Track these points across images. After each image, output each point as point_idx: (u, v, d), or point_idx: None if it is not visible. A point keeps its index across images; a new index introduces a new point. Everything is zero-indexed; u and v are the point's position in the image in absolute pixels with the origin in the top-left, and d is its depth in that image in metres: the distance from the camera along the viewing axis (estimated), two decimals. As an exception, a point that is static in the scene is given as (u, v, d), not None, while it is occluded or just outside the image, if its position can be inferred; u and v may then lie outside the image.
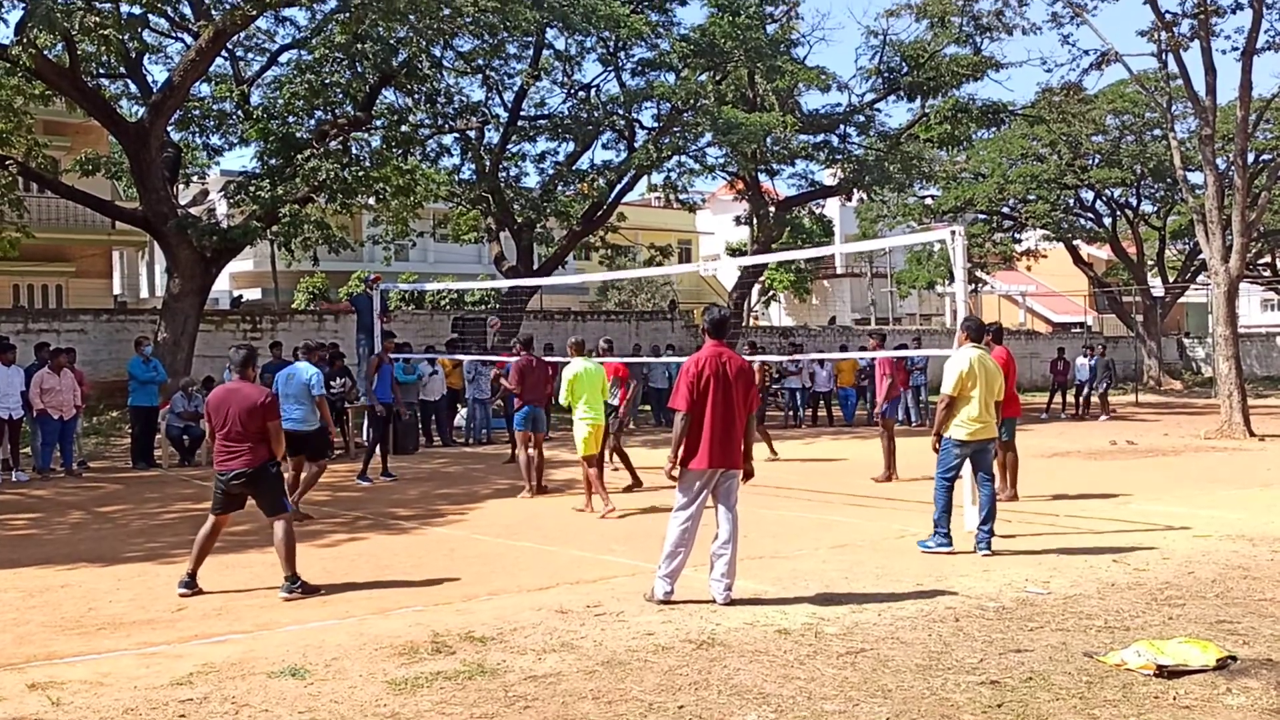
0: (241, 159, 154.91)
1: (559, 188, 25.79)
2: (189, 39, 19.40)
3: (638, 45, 24.78)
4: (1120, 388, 36.05)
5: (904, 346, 24.31)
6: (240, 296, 39.58)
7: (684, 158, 25.94)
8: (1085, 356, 25.17)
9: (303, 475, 10.49)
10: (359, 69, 20.57)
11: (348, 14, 17.99)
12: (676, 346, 26.16)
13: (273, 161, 20.10)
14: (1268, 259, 42.28)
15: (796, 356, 21.89)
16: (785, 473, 14.03)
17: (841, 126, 28.12)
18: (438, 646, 5.79)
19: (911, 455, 13.14)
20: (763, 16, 26.33)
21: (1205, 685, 5.03)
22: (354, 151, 21.11)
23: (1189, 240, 38.01)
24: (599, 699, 4.93)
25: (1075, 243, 39.43)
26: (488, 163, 25.02)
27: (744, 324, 35.49)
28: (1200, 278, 37.90)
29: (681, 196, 28.42)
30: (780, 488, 12.40)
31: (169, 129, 19.73)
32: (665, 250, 32.26)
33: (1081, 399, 25.03)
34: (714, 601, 6.66)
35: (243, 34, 20.15)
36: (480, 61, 23.25)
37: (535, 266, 26.24)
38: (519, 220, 25.39)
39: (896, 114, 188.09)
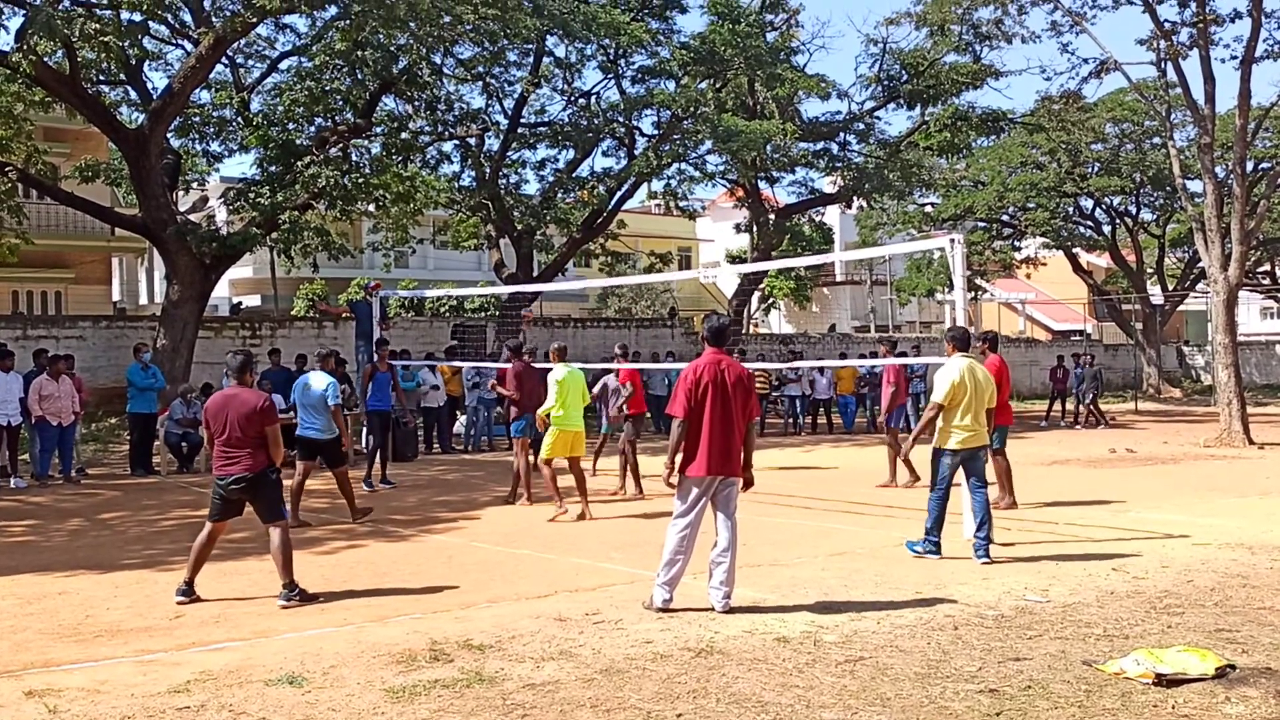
0: (241, 166, 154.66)
1: (559, 195, 25.83)
2: (189, 46, 19.43)
3: (638, 53, 24.84)
4: (1120, 395, 36.08)
5: (904, 354, 24.30)
6: (239, 303, 39.57)
7: (684, 165, 25.99)
8: (1073, 365, 25.18)
9: (339, 483, 10.78)
10: (359, 76, 20.61)
11: (348, 21, 18.01)
12: (676, 353, 26.16)
13: (272, 168, 20.13)
14: (1267, 267, 42.33)
15: (796, 364, 21.90)
16: (784, 480, 14.01)
17: (841, 134, 28.17)
18: (436, 654, 5.78)
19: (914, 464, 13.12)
20: (763, 24, 26.40)
21: (1204, 694, 5.02)
22: (354, 158, 21.15)
23: (1188, 248, 38.02)
24: (597, 707, 4.92)
25: (1075, 250, 39.48)
26: (488, 170, 25.06)
27: (744, 331, 35.49)
28: (1199, 286, 37.90)
29: (681, 204, 28.48)
30: (779, 495, 12.39)
31: (169, 136, 19.75)
32: (665, 257, 32.28)
33: (1087, 407, 25.04)
34: (713, 609, 6.65)
35: (243, 41, 20.17)
36: (480, 69, 23.30)
37: (535, 273, 26.25)
38: (519, 227, 25.41)
39: (896, 122, 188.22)
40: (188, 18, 19.39)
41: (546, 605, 6.94)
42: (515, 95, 25.12)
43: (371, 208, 23.30)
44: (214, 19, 18.41)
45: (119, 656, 5.88)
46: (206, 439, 7.50)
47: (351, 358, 18.77)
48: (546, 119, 26.37)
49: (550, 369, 11.35)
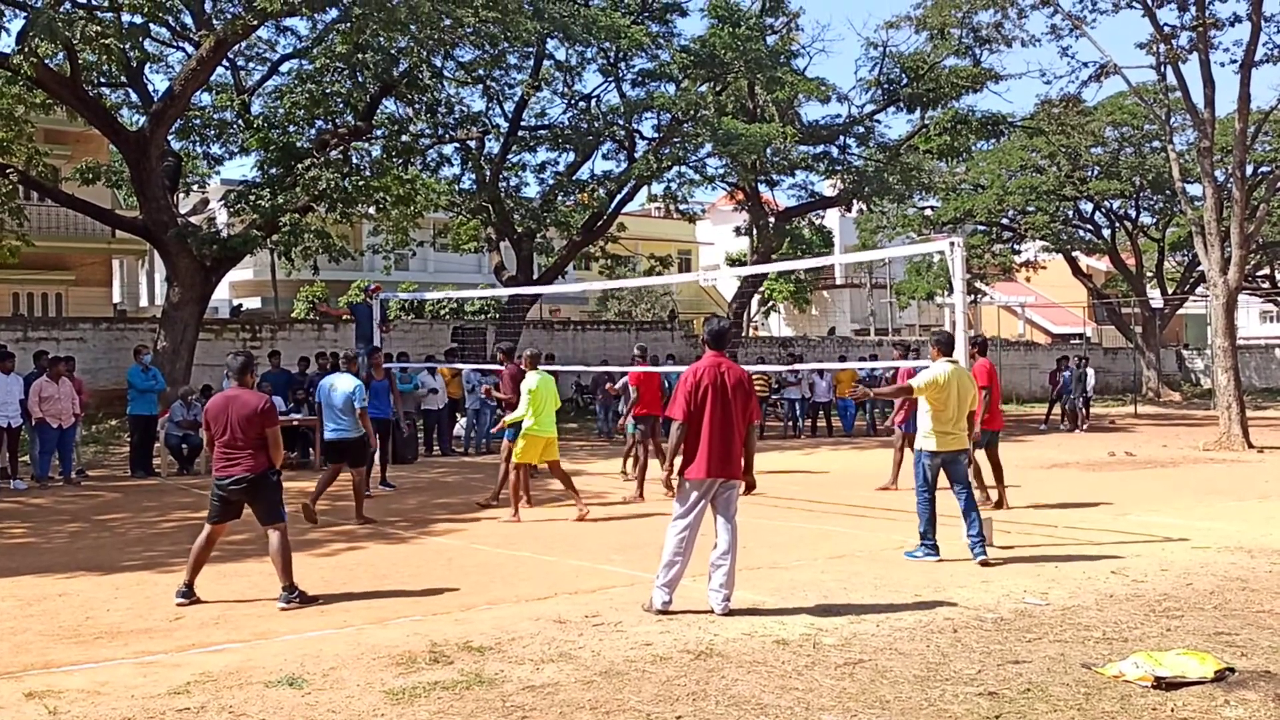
0: (242, 168, 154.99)
1: (559, 198, 25.85)
2: (190, 48, 19.44)
3: (638, 56, 24.86)
4: (1120, 399, 36.09)
5: (904, 357, 24.29)
6: (240, 305, 39.60)
7: (684, 168, 26.04)
8: (1062, 370, 25.12)
9: (354, 483, 11.01)
10: (360, 79, 20.63)
11: (349, 24, 18.03)
12: (676, 356, 26.19)
13: (273, 171, 20.15)
14: (1266, 271, 42.34)
15: (796, 367, 21.92)
16: (783, 483, 14.02)
17: (841, 137, 28.19)
18: (436, 656, 5.78)
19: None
20: (763, 28, 26.44)
21: (1203, 697, 5.03)
22: (354, 161, 21.17)
23: (1188, 252, 38.08)
24: (597, 709, 4.92)
25: (1074, 254, 39.50)
26: (488, 172, 25.08)
27: (744, 334, 35.52)
28: (1199, 289, 37.94)
29: (681, 207, 28.51)
30: (779, 498, 12.40)
31: (169, 138, 19.77)
32: (665, 260, 32.38)
33: (1065, 410, 25.10)
34: (712, 612, 6.65)
35: (244, 43, 20.19)
36: (481, 72, 23.31)
37: (535, 276, 26.28)
38: (519, 230, 25.43)
39: (896, 125, 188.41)
40: (189, 20, 19.41)
41: (546, 607, 6.95)
42: (516, 98, 25.15)
43: (372, 210, 23.33)
44: (215, 21, 18.43)
45: (119, 658, 5.89)
46: (206, 440, 7.51)
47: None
48: (547, 122, 26.40)
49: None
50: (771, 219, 30.30)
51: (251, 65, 22.32)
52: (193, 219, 22.84)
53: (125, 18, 17.03)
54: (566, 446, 19.79)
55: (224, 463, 7.19)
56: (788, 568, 8.23)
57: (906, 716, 4.81)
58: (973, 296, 38.71)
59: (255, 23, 17.48)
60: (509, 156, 25.77)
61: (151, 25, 18.02)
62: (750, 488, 6.99)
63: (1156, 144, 32.52)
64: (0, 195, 19.47)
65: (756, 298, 43.15)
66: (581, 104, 26.16)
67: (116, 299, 35.19)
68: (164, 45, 20.79)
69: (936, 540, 8.47)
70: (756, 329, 48.46)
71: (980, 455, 10.95)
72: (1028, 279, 44.28)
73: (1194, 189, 26.51)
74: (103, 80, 20.27)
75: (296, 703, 5.05)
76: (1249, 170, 27.11)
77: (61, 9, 16.29)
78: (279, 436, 7.29)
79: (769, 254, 29.73)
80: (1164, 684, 5.13)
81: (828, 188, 31.05)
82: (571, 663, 5.65)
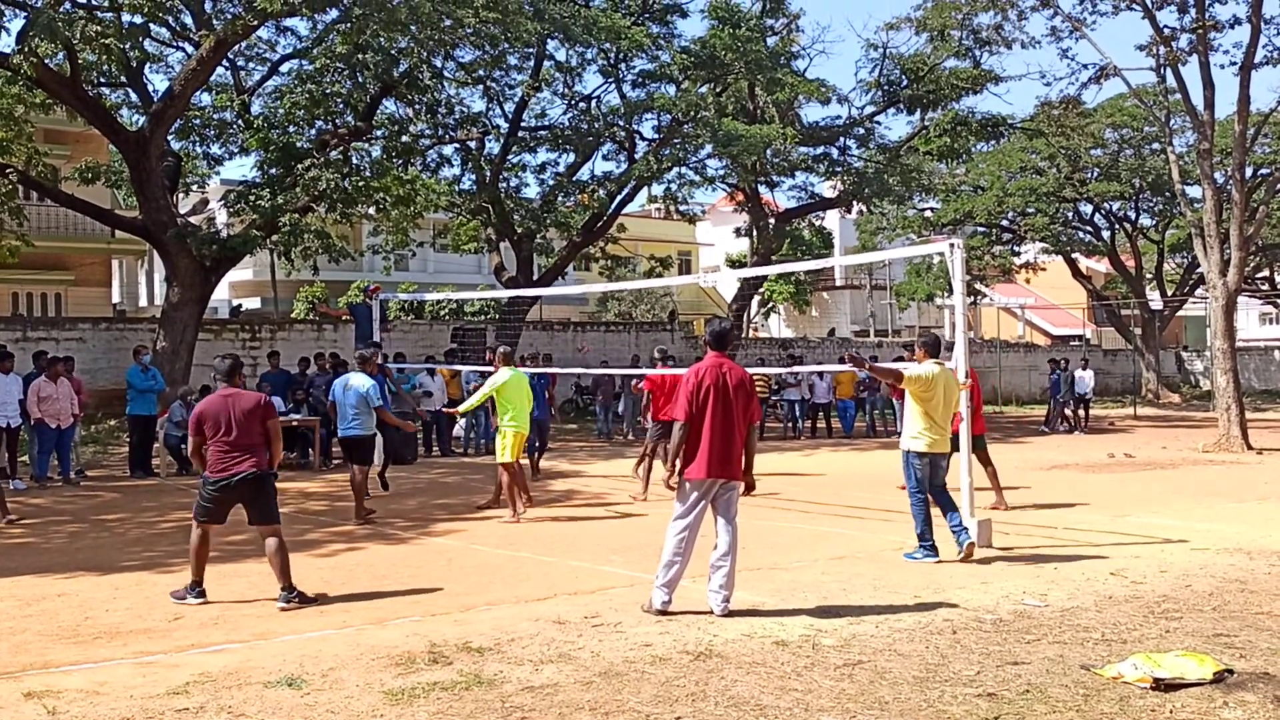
0: (242, 168, 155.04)
1: (559, 198, 25.85)
2: (190, 48, 19.45)
3: (638, 57, 24.86)
4: (1119, 400, 36.09)
5: (901, 359, 24.30)
6: (239, 305, 39.61)
7: (684, 169, 26.03)
8: (1050, 372, 25.08)
9: (356, 482, 11.10)
10: (360, 79, 20.63)
11: (349, 24, 18.03)
12: (676, 357, 26.13)
13: (273, 171, 20.14)
14: (1266, 273, 42.36)
15: (796, 368, 21.93)
16: (783, 485, 14.02)
17: (841, 139, 28.18)
18: (435, 657, 5.78)
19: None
20: (763, 29, 26.43)
21: (1202, 698, 5.03)
22: (354, 161, 21.16)
23: (1187, 254, 38.08)
24: (596, 710, 4.92)
25: (1074, 256, 39.51)
26: (488, 173, 25.08)
27: (744, 335, 35.52)
28: (1198, 291, 37.96)
29: (681, 208, 28.50)
30: (778, 499, 12.40)
31: (169, 138, 19.77)
32: (665, 261, 32.34)
33: (1050, 411, 25.09)
34: (712, 613, 6.65)
35: (244, 44, 20.20)
36: (481, 72, 23.31)
37: (535, 277, 26.28)
38: (519, 231, 25.43)
39: (896, 127, 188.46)
40: (189, 20, 19.41)
41: (545, 608, 6.95)
42: (516, 99, 25.15)
43: (372, 211, 23.33)
44: (215, 22, 18.43)
45: (118, 658, 5.89)
46: (193, 444, 7.37)
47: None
48: (547, 123, 26.40)
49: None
50: (771, 220, 30.31)
51: (251, 65, 22.35)
52: (192, 219, 22.85)
53: (125, 18, 17.03)
54: (566, 447, 19.82)
55: (228, 461, 7.17)
56: (787, 569, 8.23)
57: (905, 717, 4.81)
58: (972, 298, 38.72)
59: (255, 23, 17.48)
60: (509, 157, 25.77)
61: (151, 25, 18.02)
62: (750, 489, 6.99)
63: (1156, 146, 32.55)
64: (0, 195, 19.47)
65: (756, 299, 43.16)
66: (582, 105, 26.17)
67: (116, 299, 35.18)
68: (164, 45, 20.81)
69: (934, 541, 8.49)
70: (756, 330, 48.47)
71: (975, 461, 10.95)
72: (1027, 280, 44.30)
73: (1193, 191, 26.53)
74: (102, 80, 20.28)
75: (295, 703, 5.05)
76: (1248, 172, 27.09)
77: (61, 9, 16.30)
78: (280, 431, 7.34)
79: (769, 255, 29.74)
80: (1163, 685, 5.13)
81: (828, 189, 31.06)
82: (571, 663, 5.65)
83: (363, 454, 11.21)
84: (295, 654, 5.88)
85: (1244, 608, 6.87)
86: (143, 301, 42.05)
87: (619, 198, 26.01)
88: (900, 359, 22.68)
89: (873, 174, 26.96)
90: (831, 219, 42.67)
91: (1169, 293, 40.67)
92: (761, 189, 29.86)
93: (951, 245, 9.49)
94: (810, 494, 13.04)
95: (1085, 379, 24.80)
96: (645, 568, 7.67)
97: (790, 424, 23.14)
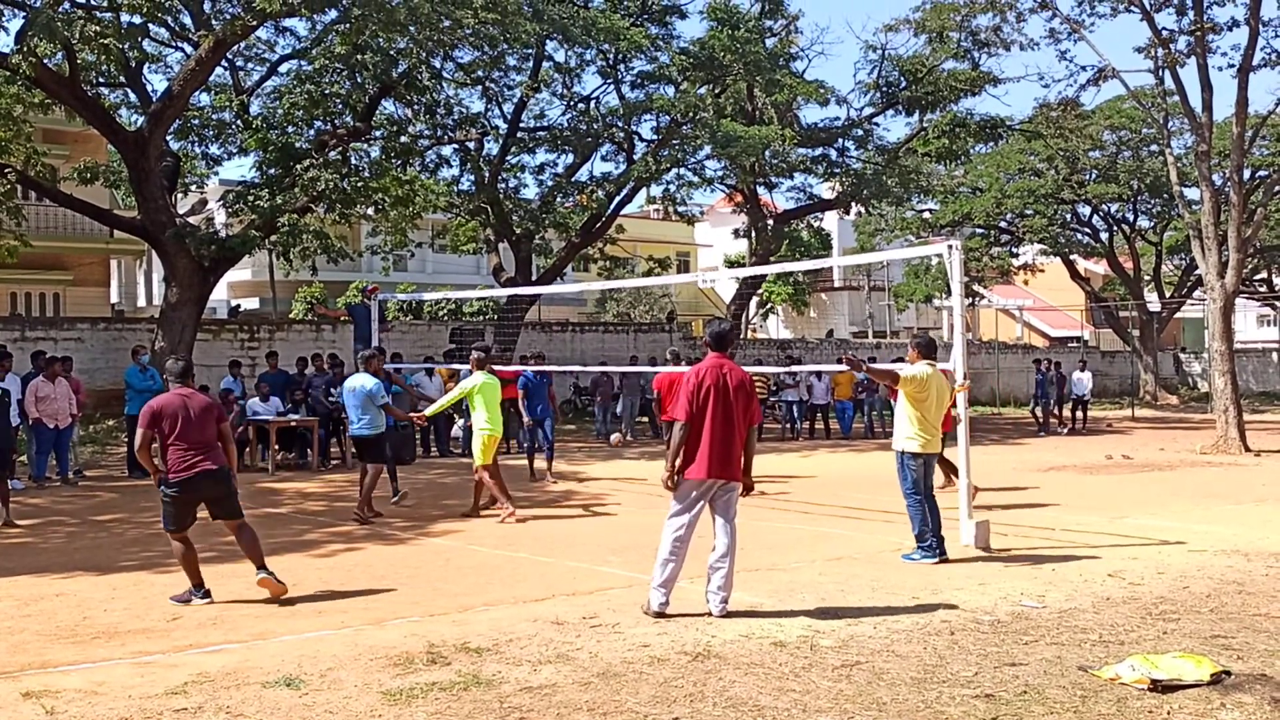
0: (240, 168, 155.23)
1: (558, 199, 25.85)
2: (189, 48, 19.43)
3: (637, 58, 24.86)
4: (1117, 402, 36.12)
5: (900, 360, 24.30)
6: (238, 306, 39.57)
7: (683, 170, 26.05)
8: (1037, 373, 24.96)
9: (364, 480, 11.09)
10: (359, 80, 20.62)
11: (348, 25, 18.02)
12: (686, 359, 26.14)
13: (272, 171, 20.12)
14: (1264, 274, 42.41)
15: (794, 369, 21.95)
16: (782, 486, 14.03)
17: (840, 140, 28.20)
18: (433, 657, 5.79)
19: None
20: (762, 30, 26.44)
21: (1199, 700, 5.04)
22: (353, 162, 21.15)
23: (1185, 255, 38.10)
24: (594, 711, 4.93)
25: (1072, 257, 39.53)
26: (487, 174, 25.07)
27: (742, 336, 35.53)
28: (1196, 293, 37.98)
29: (680, 209, 28.52)
30: (777, 500, 12.41)
31: (168, 138, 19.74)
32: (664, 262, 32.37)
33: (1032, 411, 25.08)
34: (710, 614, 6.66)
35: (243, 44, 20.18)
36: (480, 73, 23.31)
37: (534, 277, 26.27)
38: (518, 231, 25.43)
39: (895, 128, 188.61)
40: (188, 20, 19.39)
41: (544, 609, 6.95)
42: (515, 99, 25.14)
43: (370, 211, 23.31)
44: (214, 22, 18.41)
45: (116, 658, 5.89)
46: (143, 437, 7.43)
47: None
48: (546, 123, 26.40)
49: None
50: (770, 221, 30.33)
51: (250, 66, 22.32)
52: (191, 219, 22.82)
53: (124, 18, 17.01)
54: (565, 448, 19.80)
55: (188, 461, 7.33)
56: (785, 569, 8.24)
57: (903, 718, 4.81)
58: (971, 299, 38.76)
59: (254, 23, 17.47)
60: (508, 158, 25.77)
61: (150, 25, 18.01)
62: (748, 490, 7.00)
63: (1154, 148, 32.57)
64: (-1, 195, 19.48)
65: (755, 300, 43.17)
66: (580, 105, 26.16)
67: (114, 299, 35.15)
68: (163, 45, 20.78)
69: (934, 541, 8.49)
70: (755, 331, 48.49)
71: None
72: (1026, 282, 44.34)
73: (1191, 193, 26.60)
74: (101, 80, 20.26)
75: (294, 703, 5.05)
76: (1246, 174, 27.12)
77: (60, 9, 16.28)
78: (230, 433, 7.66)
79: (767, 256, 29.75)
80: (1160, 687, 5.13)
81: (826, 190, 31.08)
82: (569, 664, 5.66)
83: (374, 453, 11.23)
84: (293, 654, 5.88)
85: (1241, 609, 6.88)
86: (141, 301, 42.04)
87: (618, 198, 26.02)
88: (900, 360, 22.72)
89: (871, 175, 26.97)
90: (830, 220, 42.68)
91: (1167, 294, 40.69)
92: (760, 190, 29.87)
93: (950, 246, 9.51)
94: (808, 495, 13.05)
95: (1083, 380, 24.78)
96: (643, 568, 7.67)
97: (788, 425, 23.15)
